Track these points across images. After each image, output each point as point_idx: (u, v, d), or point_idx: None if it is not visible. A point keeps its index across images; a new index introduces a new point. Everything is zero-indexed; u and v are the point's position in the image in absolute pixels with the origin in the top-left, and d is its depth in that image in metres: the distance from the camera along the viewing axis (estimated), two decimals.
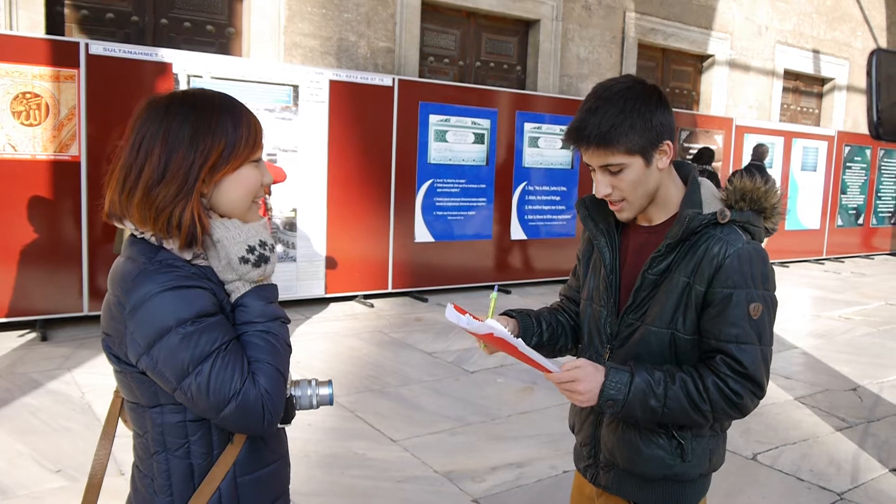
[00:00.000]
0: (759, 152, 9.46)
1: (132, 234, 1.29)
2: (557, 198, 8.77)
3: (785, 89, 13.23)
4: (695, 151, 9.48)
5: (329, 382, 1.42)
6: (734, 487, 3.53)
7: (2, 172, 5.46)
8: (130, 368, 1.25)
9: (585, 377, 1.50)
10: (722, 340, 1.50)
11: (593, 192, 1.65)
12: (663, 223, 1.63)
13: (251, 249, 1.27)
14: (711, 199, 1.59)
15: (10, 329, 5.68)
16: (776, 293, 1.58)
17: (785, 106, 13.41)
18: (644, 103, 1.53)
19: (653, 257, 1.57)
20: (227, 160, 1.27)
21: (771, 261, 1.59)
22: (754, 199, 1.58)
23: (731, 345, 1.49)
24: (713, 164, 9.14)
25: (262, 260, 1.29)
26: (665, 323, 1.56)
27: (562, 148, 8.67)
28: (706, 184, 1.63)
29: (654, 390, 1.50)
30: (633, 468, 1.63)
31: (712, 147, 9.70)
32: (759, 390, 1.52)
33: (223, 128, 1.26)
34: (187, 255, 1.25)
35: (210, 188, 1.27)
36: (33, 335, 5.60)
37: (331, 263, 7.10)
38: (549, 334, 1.80)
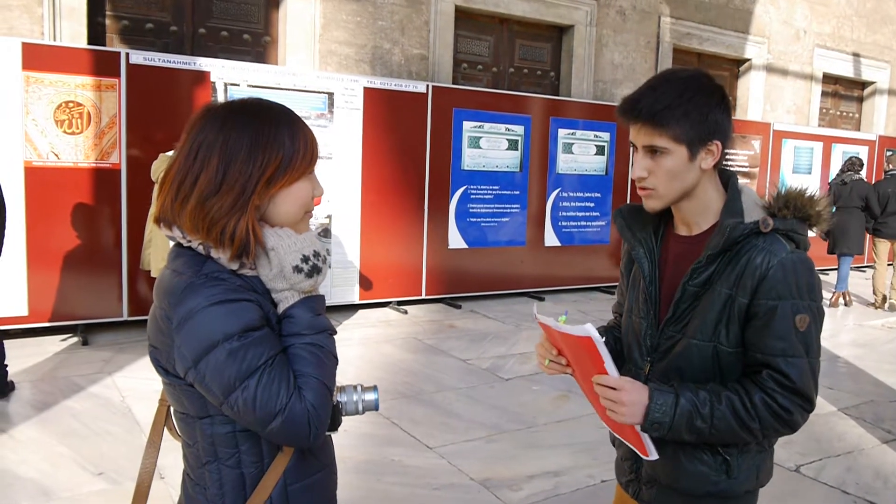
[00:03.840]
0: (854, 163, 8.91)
1: (178, 244, 1.29)
2: (591, 204, 8.70)
3: (824, 93, 13.00)
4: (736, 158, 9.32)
5: (374, 388, 1.42)
6: (776, 500, 3.45)
7: (45, 180, 5.58)
8: (179, 381, 1.25)
9: (632, 389, 1.46)
10: (768, 354, 1.46)
11: (629, 201, 1.61)
12: (704, 232, 1.58)
13: (305, 259, 1.26)
14: (753, 208, 1.55)
15: (53, 333, 5.79)
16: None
17: (824, 110, 13.17)
18: (705, 96, 1.50)
19: (693, 268, 1.53)
20: (284, 174, 1.26)
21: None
22: (798, 207, 1.53)
23: (778, 359, 1.45)
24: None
25: (315, 270, 1.28)
26: (707, 336, 1.52)
27: (596, 154, 8.61)
28: (747, 191, 1.59)
29: (700, 411, 1.46)
30: (676, 484, 1.59)
31: (861, 157, 9.33)
32: (808, 405, 1.47)
33: (281, 141, 1.26)
34: (234, 266, 1.24)
35: (265, 201, 1.27)
36: (75, 339, 5.70)
37: (364, 270, 7.12)
38: (614, 355, 1.76)
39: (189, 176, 1.24)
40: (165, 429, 1.44)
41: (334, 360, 1.31)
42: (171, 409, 1.36)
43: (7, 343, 4.58)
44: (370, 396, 1.41)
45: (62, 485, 3.36)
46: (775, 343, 1.45)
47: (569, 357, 1.58)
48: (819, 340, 1.50)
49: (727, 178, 1.61)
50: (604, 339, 1.74)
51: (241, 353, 1.17)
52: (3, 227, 4.41)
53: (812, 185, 1.61)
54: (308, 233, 1.31)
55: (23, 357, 5.13)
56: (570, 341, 1.50)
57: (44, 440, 3.83)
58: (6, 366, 4.45)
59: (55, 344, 5.59)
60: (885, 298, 8.51)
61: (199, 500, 1.32)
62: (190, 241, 1.26)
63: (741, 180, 1.65)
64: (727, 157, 1.60)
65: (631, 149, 1.59)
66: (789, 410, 1.45)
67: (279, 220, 1.30)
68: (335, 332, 1.34)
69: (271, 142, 1.25)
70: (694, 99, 1.49)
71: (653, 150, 1.51)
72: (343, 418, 1.38)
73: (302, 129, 1.30)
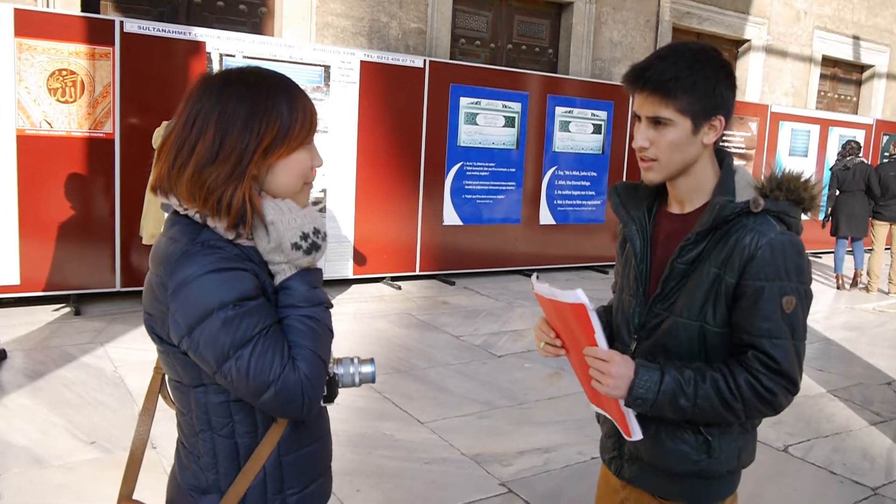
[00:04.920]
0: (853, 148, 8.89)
1: (174, 212, 1.28)
2: (587, 183, 8.69)
3: (822, 76, 12.96)
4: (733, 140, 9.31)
5: (371, 360, 1.42)
6: (764, 479, 3.49)
7: (38, 148, 5.53)
8: (173, 349, 1.24)
9: (620, 363, 1.47)
10: (754, 335, 1.45)
11: (624, 179, 1.60)
12: (695, 210, 1.58)
13: (305, 236, 1.25)
14: (746, 188, 1.54)
15: (46, 303, 5.77)
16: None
17: (822, 93, 13.14)
18: (713, 70, 1.49)
19: (682, 246, 1.53)
20: (281, 143, 1.25)
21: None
22: (791, 189, 1.52)
23: (764, 340, 1.45)
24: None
25: (314, 248, 1.27)
26: (694, 315, 1.51)
27: (593, 133, 8.58)
28: (741, 171, 1.58)
29: (684, 389, 1.46)
30: (658, 462, 1.59)
31: (858, 140, 9.32)
32: (793, 387, 1.47)
33: (278, 110, 1.24)
34: (230, 235, 1.23)
35: (262, 170, 1.25)
36: (67, 309, 5.69)
37: (359, 245, 7.11)
38: (608, 334, 1.75)
39: (186, 144, 1.23)
40: (160, 397, 1.43)
41: (329, 332, 1.30)
42: (166, 377, 1.36)
43: None
44: (367, 369, 1.41)
45: (54, 453, 3.36)
46: (761, 324, 1.45)
47: (561, 330, 1.58)
48: (805, 323, 1.50)
49: (722, 158, 1.60)
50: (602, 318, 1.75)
51: (235, 323, 1.17)
52: None
53: (808, 169, 1.60)
54: (309, 209, 1.30)
55: (15, 326, 5.11)
56: (562, 310, 1.50)
57: (36, 409, 3.83)
58: None
59: (47, 313, 5.58)
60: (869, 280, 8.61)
61: (193, 469, 1.32)
62: (186, 210, 1.25)
63: (737, 161, 1.64)
64: (723, 137, 1.59)
65: (633, 119, 1.57)
66: (773, 392, 1.45)
67: (278, 190, 1.28)
68: (331, 306, 1.34)
69: (269, 111, 1.23)
70: (702, 71, 1.47)
71: (656, 121, 1.50)
72: (339, 391, 1.38)
73: (301, 98, 1.28)
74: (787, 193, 1.51)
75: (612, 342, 1.73)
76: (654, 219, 1.66)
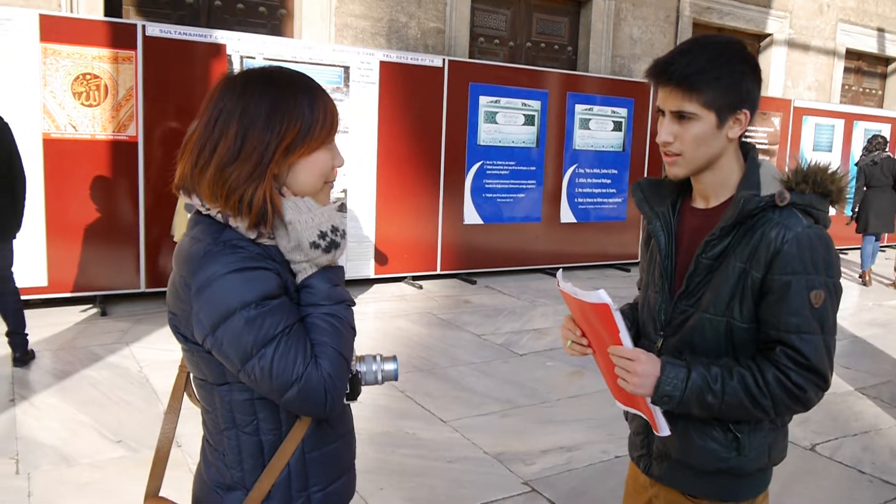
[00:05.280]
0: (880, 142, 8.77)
1: (197, 212, 1.29)
2: (608, 181, 8.64)
3: (846, 69, 12.77)
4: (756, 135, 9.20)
5: (394, 358, 1.42)
6: (791, 478, 3.45)
7: (64, 152, 5.60)
8: (197, 347, 1.25)
9: (646, 361, 1.46)
10: (782, 330, 1.44)
11: (645, 174, 1.59)
12: (720, 205, 1.56)
13: (323, 235, 1.25)
14: (771, 181, 1.51)
15: (73, 304, 5.85)
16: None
17: (846, 87, 12.95)
18: (739, 63, 1.47)
19: (706, 241, 1.51)
20: (302, 143, 1.25)
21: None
22: (818, 182, 1.49)
23: (792, 335, 1.43)
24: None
25: (333, 246, 1.27)
26: (720, 310, 1.50)
27: (613, 130, 8.53)
28: (766, 164, 1.56)
29: (711, 386, 1.44)
30: (687, 460, 1.58)
31: (884, 135, 9.18)
32: (823, 382, 1.45)
33: (300, 109, 1.24)
34: (252, 235, 1.23)
35: (283, 169, 1.26)
36: (94, 310, 5.76)
37: (380, 244, 7.13)
38: (634, 332, 1.74)
39: (208, 144, 1.24)
40: (185, 395, 1.45)
41: (352, 330, 1.30)
42: (191, 375, 1.37)
43: (27, 313, 4.64)
44: (389, 366, 1.41)
45: (82, 451, 3.41)
46: (789, 319, 1.43)
47: (586, 329, 1.58)
48: (835, 317, 1.48)
49: (747, 151, 1.58)
50: (627, 321, 1.73)
51: (258, 322, 1.17)
52: (24, 199, 4.44)
53: (834, 161, 1.57)
54: (327, 206, 1.30)
55: (43, 327, 5.19)
56: (586, 309, 1.49)
57: (64, 408, 3.89)
58: (27, 335, 4.51)
59: (75, 314, 5.65)
60: None
61: (218, 466, 1.33)
62: (209, 209, 1.25)
63: (760, 155, 1.62)
64: (746, 133, 1.57)
65: (657, 114, 1.56)
66: (803, 388, 1.43)
67: (299, 189, 1.29)
68: (353, 304, 1.34)
69: (290, 110, 1.24)
70: (727, 65, 1.46)
71: (680, 116, 1.48)
72: (362, 388, 1.39)
73: (322, 97, 1.29)
74: (814, 186, 1.49)
75: (639, 339, 1.72)
76: (678, 214, 1.65)
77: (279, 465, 1.28)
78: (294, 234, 1.24)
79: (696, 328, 1.53)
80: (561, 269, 1.61)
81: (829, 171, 1.51)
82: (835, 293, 1.46)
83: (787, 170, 1.54)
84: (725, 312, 1.49)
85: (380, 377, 1.41)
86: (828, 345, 1.45)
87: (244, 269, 1.19)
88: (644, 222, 1.75)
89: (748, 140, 1.61)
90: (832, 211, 1.54)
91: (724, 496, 1.59)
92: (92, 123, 5.69)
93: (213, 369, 1.26)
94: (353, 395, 1.36)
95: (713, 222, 1.52)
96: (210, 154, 1.23)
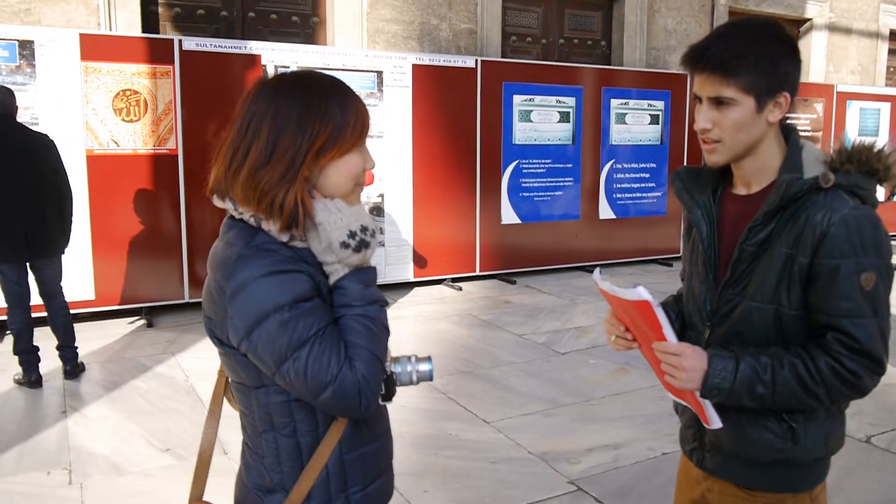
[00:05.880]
0: None
1: (230, 216, 1.30)
2: (647, 175, 8.53)
3: (891, 51, 12.40)
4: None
5: (428, 358, 1.41)
6: (845, 471, 3.35)
7: (107, 167, 5.73)
8: (233, 351, 1.26)
9: (692, 355, 1.42)
10: (833, 316, 1.39)
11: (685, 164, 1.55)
12: (762, 190, 1.52)
13: (352, 234, 1.25)
14: (814, 163, 1.47)
15: (120, 316, 5.98)
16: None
17: (891, 69, 12.58)
18: (777, 45, 1.44)
19: (750, 227, 1.47)
20: (334, 146, 1.25)
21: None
22: (863, 161, 1.45)
23: (844, 320, 1.38)
24: None
25: (363, 245, 1.27)
26: (768, 298, 1.46)
27: (650, 124, 8.42)
28: (809, 146, 1.51)
29: (761, 377, 1.41)
30: (741, 451, 1.54)
31: None
32: (878, 367, 1.40)
33: (331, 112, 1.25)
34: (285, 238, 1.24)
35: (314, 172, 1.26)
36: (140, 322, 5.88)
37: (418, 247, 7.14)
38: (679, 324, 1.72)
39: (241, 147, 1.25)
40: (225, 399, 1.46)
41: (386, 331, 1.30)
42: (229, 379, 1.38)
43: (77, 326, 4.75)
44: (424, 367, 1.40)
45: (132, 460, 3.48)
46: (840, 303, 1.39)
47: (629, 324, 1.55)
48: (888, 300, 1.43)
49: (788, 134, 1.54)
50: (672, 313, 1.71)
51: (292, 324, 1.18)
52: (72, 215, 4.55)
53: (881, 139, 1.52)
54: (357, 206, 1.30)
55: (92, 339, 5.31)
56: (627, 307, 1.47)
57: (114, 418, 3.97)
58: (76, 348, 4.62)
59: (122, 326, 5.78)
60: None
61: (258, 469, 1.34)
62: (242, 213, 1.26)
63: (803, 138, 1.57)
64: (788, 119, 1.52)
65: (694, 101, 1.52)
66: (857, 374, 1.39)
67: (330, 191, 1.29)
68: (387, 304, 1.34)
69: (322, 113, 1.24)
70: (764, 47, 1.42)
71: (719, 102, 1.45)
72: (398, 389, 1.39)
73: (353, 100, 1.29)
74: (859, 166, 1.45)
75: (685, 331, 1.69)
76: (719, 202, 1.61)
77: (318, 467, 1.28)
78: (324, 235, 1.24)
79: (744, 317, 1.50)
80: (598, 268, 1.59)
81: (875, 150, 1.46)
82: (886, 275, 1.41)
83: (830, 151, 1.50)
84: (773, 300, 1.46)
85: (415, 378, 1.40)
86: (882, 328, 1.40)
87: (277, 273, 1.19)
88: (685, 212, 1.71)
89: (790, 124, 1.56)
90: (880, 195, 1.49)
91: (781, 488, 1.55)
92: (133, 138, 5.82)
93: (250, 372, 1.27)
94: (389, 396, 1.35)
95: (756, 208, 1.49)
96: (243, 157, 1.24)
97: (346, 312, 1.25)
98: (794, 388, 1.40)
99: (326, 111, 1.24)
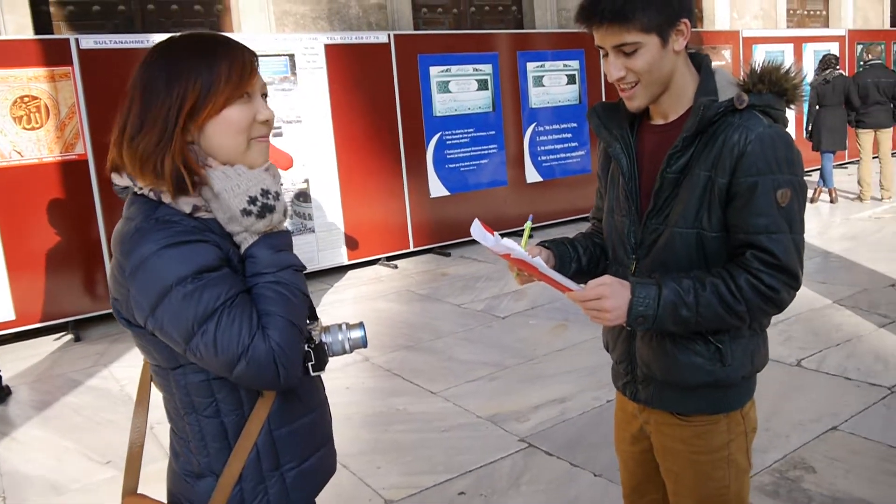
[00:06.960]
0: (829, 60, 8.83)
1: (133, 192, 1.25)
2: (569, 135, 8.62)
3: None
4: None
5: (360, 325, 1.37)
6: (780, 395, 3.48)
7: (12, 180, 5.45)
8: (142, 331, 1.21)
9: (612, 294, 1.43)
10: (751, 233, 1.43)
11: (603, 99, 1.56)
12: (679, 119, 1.54)
13: (253, 200, 1.20)
14: (727, 86, 1.50)
15: (45, 333, 5.73)
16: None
17: (791, 11, 13.00)
18: None
19: (670, 154, 1.49)
20: (206, 102, 1.20)
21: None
22: (774, 81, 1.49)
23: (761, 236, 1.42)
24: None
25: (267, 209, 1.21)
26: (689, 222, 1.48)
27: (567, 84, 8.49)
28: (721, 71, 1.54)
29: (684, 300, 1.43)
30: (672, 378, 1.57)
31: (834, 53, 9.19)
32: (794, 282, 1.45)
33: (197, 69, 1.20)
34: (187, 208, 1.19)
35: (196, 133, 1.22)
36: (68, 337, 5.65)
37: (349, 230, 7.06)
38: (587, 258, 1.73)
39: (122, 120, 1.23)
40: (153, 385, 1.39)
41: (303, 296, 1.26)
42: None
43: None
44: (356, 334, 1.37)
45: (71, 477, 3.35)
46: (757, 220, 1.42)
47: (515, 263, 1.56)
48: (802, 215, 1.47)
49: (699, 61, 1.56)
50: (580, 248, 1.73)
51: (196, 296, 1.13)
52: None
53: (787, 59, 1.56)
54: (256, 170, 1.25)
55: (16, 361, 5.08)
56: (503, 257, 1.49)
57: (48, 437, 3.81)
58: None
59: (48, 344, 5.54)
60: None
61: (185, 454, 1.29)
62: (141, 188, 1.22)
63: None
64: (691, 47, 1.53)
65: (600, 53, 1.52)
66: (775, 289, 1.43)
67: (219, 152, 1.24)
68: (303, 268, 1.29)
69: (186, 71, 1.20)
70: None
71: (624, 48, 1.45)
72: (335, 377, 1.35)
73: (225, 52, 1.23)
74: (770, 86, 1.49)
75: (609, 266, 1.71)
76: (636, 134, 1.62)
77: (247, 446, 1.24)
78: (225, 204, 1.20)
79: (668, 245, 1.52)
80: (476, 220, 1.57)
81: (783, 71, 1.50)
82: (800, 190, 1.46)
83: (741, 73, 1.53)
84: (695, 224, 1.48)
85: (347, 346, 1.37)
86: (797, 243, 1.45)
87: (178, 244, 1.14)
88: (601, 148, 1.72)
89: (701, 52, 1.58)
90: (790, 108, 1.53)
91: (714, 409, 1.58)
92: (37, 146, 5.55)
93: (163, 353, 1.22)
94: (320, 366, 1.32)
95: (673, 136, 1.51)
96: (122, 130, 1.22)
97: (259, 281, 1.21)
98: (716, 309, 1.43)
99: (193, 69, 1.21)
